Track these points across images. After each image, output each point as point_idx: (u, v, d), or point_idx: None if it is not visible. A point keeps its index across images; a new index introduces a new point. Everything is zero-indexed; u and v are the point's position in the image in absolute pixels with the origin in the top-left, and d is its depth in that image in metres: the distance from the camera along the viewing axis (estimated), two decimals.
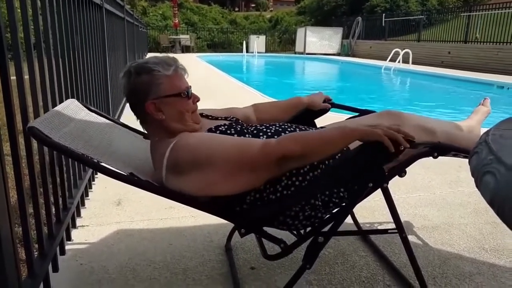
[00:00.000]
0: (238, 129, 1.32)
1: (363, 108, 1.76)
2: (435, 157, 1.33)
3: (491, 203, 0.54)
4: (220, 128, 1.31)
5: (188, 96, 1.28)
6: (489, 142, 0.64)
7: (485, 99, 1.85)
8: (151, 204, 2.20)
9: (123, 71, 1.29)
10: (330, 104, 1.73)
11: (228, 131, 1.30)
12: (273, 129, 1.33)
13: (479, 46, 12.74)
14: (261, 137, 1.29)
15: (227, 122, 1.40)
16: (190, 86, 1.31)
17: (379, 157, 1.12)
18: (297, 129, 1.36)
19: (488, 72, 11.08)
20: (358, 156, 1.15)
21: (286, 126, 1.36)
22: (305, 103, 1.66)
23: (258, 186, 1.20)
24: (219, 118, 1.47)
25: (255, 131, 1.32)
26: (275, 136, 1.28)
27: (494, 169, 0.56)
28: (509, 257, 1.72)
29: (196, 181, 1.15)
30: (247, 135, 1.30)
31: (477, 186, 0.60)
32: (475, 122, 1.72)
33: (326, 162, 1.27)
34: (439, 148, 1.32)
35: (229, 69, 11.10)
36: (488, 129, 0.76)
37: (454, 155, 1.45)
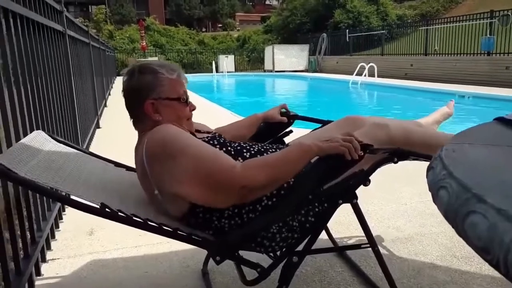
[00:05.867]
0: (221, 141, 1.33)
1: (327, 119, 1.81)
2: (395, 162, 1.37)
3: (446, 217, 0.57)
4: (204, 139, 1.31)
5: (186, 102, 1.32)
6: (443, 157, 0.68)
7: (450, 101, 1.93)
8: (125, 231, 2.14)
9: (125, 70, 1.32)
10: (293, 117, 1.75)
11: (211, 142, 1.30)
12: (256, 148, 1.35)
13: (438, 58, 13.32)
14: (245, 154, 1.30)
15: (210, 135, 1.41)
16: (188, 95, 1.36)
17: (338, 165, 1.16)
18: (278, 149, 1.36)
19: (449, 82, 11.57)
20: (320, 168, 1.17)
21: (268, 147, 1.38)
22: (260, 118, 1.71)
23: (222, 207, 1.20)
24: (202, 131, 1.49)
25: (238, 147, 1.32)
26: (258, 156, 1.29)
27: (447, 184, 0.59)
28: (479, 264, 1.78)
29: (171, 172, 1.15)
30: (229, 148, 1.30)
31: (434, 201, 0.63)
32: (432, 120, 1.81)
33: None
34: (398, 153, 1.36)
35: (199, 89, 11.12)
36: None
37: (415, 159, 1.49)
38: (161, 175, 1.18)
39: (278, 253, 1.36)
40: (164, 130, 1.21)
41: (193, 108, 1.37)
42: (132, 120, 1.34)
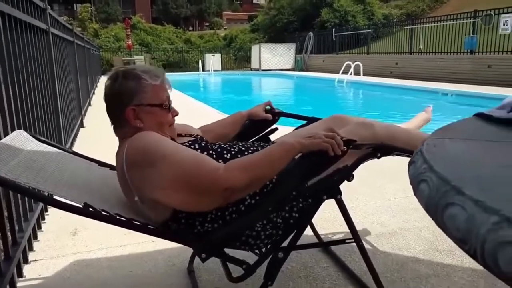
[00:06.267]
0: (203, 145, 1.32)
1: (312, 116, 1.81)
2: (378, 158, 1.38)
3: (426, 209, 0.58)
4: (185, 144, 1.30)
5: (168, 108, 1.31)
6: (424, 151, 0.69)
7: (428, 106, 1.96)
8: (109, 231, 2.13)
9: (109, 74, 1.30)
10: (278, 114, 1.75)
11: (192, 146, 1.29)
12: (237, 148, 1.34)
13: (423, 56, 13.50)
14: (226, 155, 1.29)
15: (191, 138, 1.40)
16: (171, 101, 1.34)
17: (322, 161, 1.16)
18: (259, 147, 1.37)
19: (433, 80, 11.73)
20: (303, 165, 1.17)
21: (249, 145, 1.38)
22: (244, 115, 1.71)
23: (205, 210, 1.20)
24: (183, 135, 1.47)
25: (219, 149, 1.32)
26: (239, 155, 1.28)
27: (427, 177, 0.60)
28: (460, 257, 1.81)
29: (151, 179, 1.14)
30: (211, 151, 1.29)
31: (415, 194, 0.64)
32: (413, 126, 1.83)
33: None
34: (381, 149, 1.36)
35: (185, 88, 11.06)
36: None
37: (398, 155, 1.50)
38: (141, 182, 1.17)
39: (264, 249, 1.37)
40: (145, 138, 1.19)
41: (175, 114, 1.35)
42: (112, 126, 1.32)
